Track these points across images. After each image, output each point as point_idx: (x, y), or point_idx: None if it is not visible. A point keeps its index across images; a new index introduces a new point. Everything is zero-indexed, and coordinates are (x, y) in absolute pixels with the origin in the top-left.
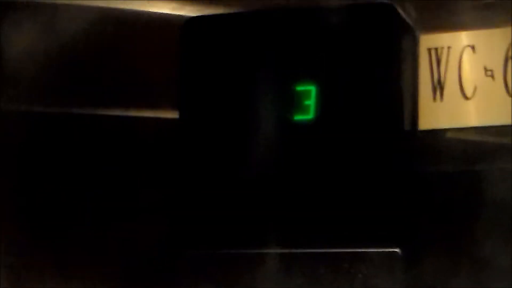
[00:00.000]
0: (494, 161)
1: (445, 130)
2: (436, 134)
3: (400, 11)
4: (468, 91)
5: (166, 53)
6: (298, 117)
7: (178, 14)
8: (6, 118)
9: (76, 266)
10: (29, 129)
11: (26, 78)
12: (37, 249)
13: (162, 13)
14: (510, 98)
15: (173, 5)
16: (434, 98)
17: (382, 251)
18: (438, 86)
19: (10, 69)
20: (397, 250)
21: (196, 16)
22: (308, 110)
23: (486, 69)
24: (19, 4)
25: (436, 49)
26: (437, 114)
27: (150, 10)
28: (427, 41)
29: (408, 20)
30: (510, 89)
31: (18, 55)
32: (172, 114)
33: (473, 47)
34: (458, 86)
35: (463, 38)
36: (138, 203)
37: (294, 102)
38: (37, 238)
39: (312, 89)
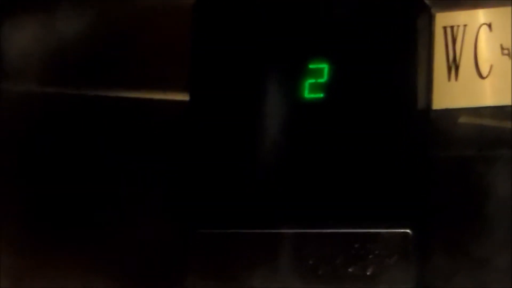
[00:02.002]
0: (508, 144)
1: (459, 110)
2: (450, 114)
3: None
4: (484, 70)
5: (177, 34)
6: (311, 96)
7: None
8: (10, 99)
9: (76, 265)
10: (31, 114)
11: (31, 60)
12: (37, 249)
13: None
14: None
15: None
16: (449, 77)
17: (394, 232)
18: (453, 65)
19: (16, 52)
20: (408, 231)
21: None
22: (320, 89)
23: (502, 48)
24: None
25: (452, 27)
26: (451, 93)
27: None
28: (443, 19)
29: None
30: None
31: (24, 38)
32: (183, 96)
33: (489, 25)
34: (473, 65)
35: (480, 16)
36: (149, 185)
37: (307, 80)
38: (37, 238)
39: (325, 67)
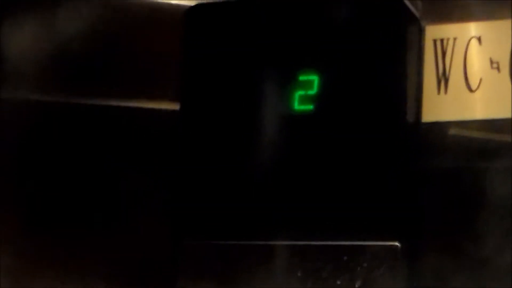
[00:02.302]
0: (497, 157)
1: (449, 123)
2: (439, 127)
3: (406, 1)
4: (473, 84)
5: (168, 43)
6: (300, 107)
7: (181, 4)
8: (7, 107)
9: (76, 265)
10: (27, 121)
11: (27, 68)
12: (37, 249)
13: (164, 2)
14: None
15: None
16: (439, 90)
17: (382, 245)
18: (443, 78)
19: (11, 60)
20: (397, 243)
21: (198, 4)
22: (310, 100)
23: (492, 61)
24: None
25: (441, 40)
26: (441, 106)
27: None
28: (433, 32)
29: (413, 10)
30: None
31: (19, 46)
32: (174, 106)
33: (479, 39)
34: (463, 78)
35: (470, 29)
36: (139, 195)
37: (296, 91)
38: (37, 238)
39: (315, 78)
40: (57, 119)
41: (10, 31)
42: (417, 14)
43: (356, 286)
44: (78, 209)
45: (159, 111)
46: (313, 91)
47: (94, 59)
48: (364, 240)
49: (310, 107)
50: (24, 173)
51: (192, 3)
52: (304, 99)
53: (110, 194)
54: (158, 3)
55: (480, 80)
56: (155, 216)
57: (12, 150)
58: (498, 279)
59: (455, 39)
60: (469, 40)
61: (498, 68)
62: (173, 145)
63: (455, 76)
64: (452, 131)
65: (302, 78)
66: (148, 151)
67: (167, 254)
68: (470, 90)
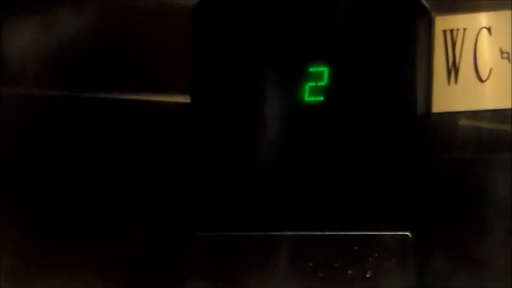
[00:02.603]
0: (507, 147)
1: (459, 114)
2: (450, 117)
3: None
4: (483, 74)
5: (178, 37)
6: (311, 99)
7: None
8: (10, 102)
9: (77, 265)
10: (30, 116)
11: (30, 62)
12: (37, 250)
13: None
14: None
15: None
16: (449, 81)
17: (393, 234)
18: (453, 69)
19: (15, 53)
20: (407, 233)
21: None
22: (320, 92)
23: (502, 52)
24: None
25: (451, 30)
26: (451, 96)
27: None
28: (443, 22)
29: (423, 1)
30: None
31: (22, 40)
32: (184, 99)
33: (489, 29)
34: (473, 69)
35: (479, 19)
36: (145, 191)
37: (307, 83)
38: (37, 238)
39: (325, 70)
40: (62, 114)
41: (13, 25)
42: (427, 5)
43: (367, 275)
44: (80, 208)
45: (170, 104)
46: (323, 82)
47: (104, 53)
48: (375, 230)
49: (320, 98)
50: (25, 171)
51: None
52: (314, 91)
53: (114, 191)
54: None
55: (490, 70)
56: (159, 212)
57: (13, 148)
58: (506, 276)
59: (464, 29)
60: (479, 31)
61: (508, 58)
62: (184, 138)
63: (465, 67)
64: (463, 122)
65: (312, 69)
66: (157, 144)
67: (171, 251)
68: (480, 80)
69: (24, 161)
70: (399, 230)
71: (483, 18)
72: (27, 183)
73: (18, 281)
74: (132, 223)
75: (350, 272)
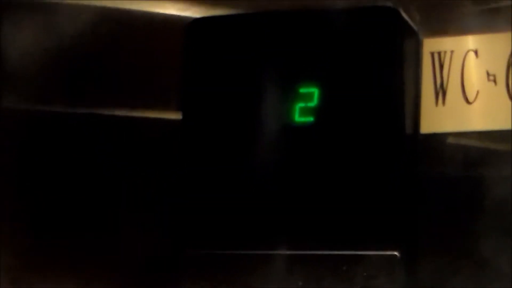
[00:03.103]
0: (495, 166)
1: (447, 134)
2: (437, 138)
3: (404, 14)
4: (471, 96)
5: (171, 54)
6: (301, 119)
7: (184, 15)
8: (7, 116)
9: (76, 266)
10: (30, 128)
11: (28, 76)
12: (37, 249)
13: (168, 14)
14: None
15: (179, 6)
16: (437, 102)
17: (381, 254)
18: (441, 90)
19: (11, 67)
20: (396, 253)
21: (200, 17)
22: (310, 112)
23: (488, 74)
24: (21, 3)
25: (439, 53)
26: (439, 118)
27: (156, 10)
28: (431, 45)
29: (411, 23)
30: None
31: (19, 54)
32: (176, 115)
33: (476, 52)
34: (460, 90)
35: (466, 42)
36: (141, 203)
37: (297, 104)
38: (37, 238)
39: (315, 91)
40: (58, 129)
41: (9, 40)
42: (415, 27)
43: None
44: (78, 214)
45: (162, 120)
46: (313, 103)
47: (98, 69)
48: (364, 250)
49: (310, 119)
50: (25, 175)
51: (192, 14)
52: (304, 111)
53: (111, 200)
54: (162, 14)
55: (477, 92)
56: (155, 223)
57: (13, 153)
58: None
59: (452, 52)
60: (466, 53)
61: (494, 81)
62: (175, 154)
63: (453, 88)
64: (450, 142)
65: (302, 90)
66: (150, 160)
67: (168, 260)
68: (468, 102)
69: (24, 163)
70: (387, 250)
71: (470, 41)
72: (28, 187)
73: (18, 281)
74: (127, 232)
75: None
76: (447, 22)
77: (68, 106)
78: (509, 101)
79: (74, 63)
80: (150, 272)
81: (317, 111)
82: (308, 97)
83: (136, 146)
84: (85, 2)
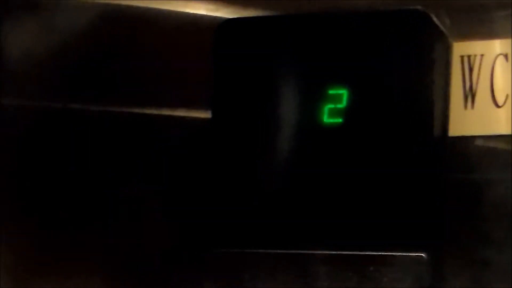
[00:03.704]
0: None
1: (475, 137)
2: (466, 141)
3: (434, 18)
4: (500, 99)
5: (201, 53)
6: (329, 120)
7: (213, 16)
8: (8, 113)
9: (76, 266)
10: (29, 127)
11: (31, 73)
12: (37, 249)
13: (197, 14)
14: None
15: (209, 6)
16: (466, 105)
17: (408, 255)
18: (470, 94)
19: (15, 65)
20: (423, 254)
21: (231, 19)
22: (339, 114)
23: None
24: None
25: (469, 56)
26: (468, 121)
27: (185, 10)
28: (460, 48)
29: (441, 27)
30: None
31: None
32: (205, 114)
33: (506, 56)
34: (489, 94)
35: (496, 46)
36: (164, 205)
37: (326, 105)
38: (37, 238)
39: (344, 93)
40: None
41: (13, 34)
42: (445, 31)
43: None
44: (80, 212)
45: (190, 119)
46: (342, 105)
47: (128, 68)
48: (391, 250)
49: (339, 120)
50: (25, 174)
51: (222, 14)
52: (333, 113)
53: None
54: (191, 14)
55: (507, 96)
56: (176, 227)
57: (13, 152)
58: None
59: (482, 55)
60: (496, 57)
61: None
62: (203, 154)
63: (482, 92)
64: (478, 145)
65: (331, 92)
66: (177, 159)
67: (187, 267)
68: (497, 105)
69: (25, 162)
70: (414, 251)
71: (500, 45)
72: (28, 186)
73: (18, 281)
74: (147, 236)
75: None
76: (477, 26)
77: (99, 104)
78: None
79: (103, 62)
80: (173, 272)
81: (346, 113)
82: (337, 98)
83: (163, 145)
84: (116, 2)
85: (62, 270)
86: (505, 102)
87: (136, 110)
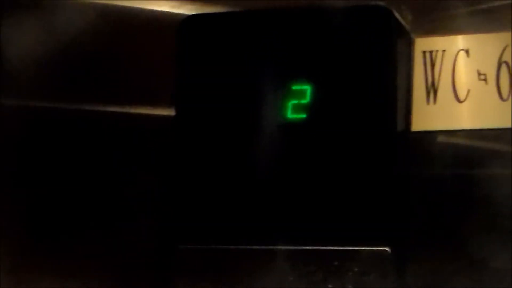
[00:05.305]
0: (484, 165)
1: (437, 133)
2: (428, 136)
3: (396, 14)
4: (461, 95)
5: (164, 51)
6: (293, 116)
7: (177, 12)
8: (5, 113)
9: (75, 266)
10: (27, 125)
11: (25, 73)
12: (37, 249)
13: (161, 11)
14: (502, 102)
15: (173, 3)
16: (428, 101)
17: (372, 250)
18: (432, 89)
19: (10, 65)
20: (387, 249)
21: (193, 15)
22: (302, 109)
23: (479, 73)
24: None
25: (431, 52)
26: (430, 116)
27: (149, 7)
28: (422, 44)
29: (403, 23)
30: (502, 93)
31: (18, 53)
32: (169, 112)
33: (467, 51)
34: (451, 89)
35: (458, 42)
36: (135, 200)
37: (289, 101)
38: (37, 238)
39: (307, 88)
40: (55, 125)
41: (9, 37)
42: (407, 26)
43: None
44: (78, 211)
45: (155, 116)
46: (305, 100)
47: (91, 65)
48: (355, 245)
49: (303, 116)
50: (24, 175)
51: (185, 11)
52: (297, 108)
53: (107, 198)
54: (156, 11)
55: (468, 91)
56: (150, 220)
57: (12, 152)
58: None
59: (443, 51)
60: (458, 53)
61: (485, 80)
62: (169, 151)
63: (444, 87)
64: (440, 140)
65: (295, 87)
66: (143, 157)
67: (163, 258)
68: (459, 100)
69: (23, 162)
70: (378, 246)
71: (461, 41)
72: (27, 186)
73: (18, 281)
74: (123, 229)
75: (330, 286)
76: (439, 22)
77: (64, 103)
78: (499, 100)
79: (67, 60)
80: (144, 269)
81: (309, 108)
82: (300, 94)
83: (130, 143)
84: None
85: (62, 270)
86: (466, 97)
87: (99, 108)
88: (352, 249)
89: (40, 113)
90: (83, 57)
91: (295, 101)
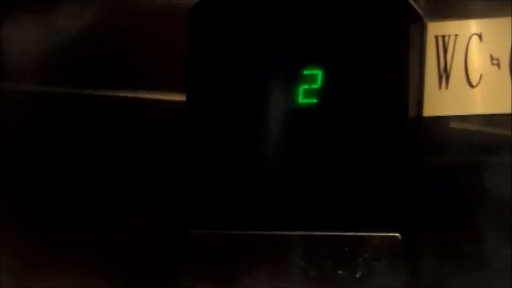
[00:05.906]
0: (496, 151)
1: (449, 118)
2: (441, 120)
3: None
4: (474, 79)
5: (176, 36)
6: (304, 101)
7: None
8: (9, 99)
9: (76, 265)
10: (32, 111)
11: (30, 59)
12: (37, 250)
13: None
14: None
15: None
16: (440, 86)
17: (383, 235)
18: (444, 74)
19: (14, 51)
20: (397, 234)
21: (203, 0)
22: (314, 94)
23: (492, 58)
24: None
25: (443, 36)
26: (442, 101)
27: None
28: (435, 28)
29: (416, 7)
30: None
31: (22, 38)
32: (180, 97)
33: (480, 36)
34: (464, 74)
35: (471, 26)
36: (144, 187)
37: (301, 85)
38: (37, 238)
39: (319, 73)
40: (61, 111)
41: (12, 22)
42: (419, 11)
43: (357, 275)
44: (79, 207)
45: (166, 102)
46: (317, 85)
47: (102, 51)
48: (366, 231)
49: (314, 100)
50: (25, 170)
51: None
52: (308, 93)
53: (111, 189)
54: None
55: (481, 76)
56: (156, 210)
57: (12, 146)
58: (497, 277)
59: (456, 35)
60: (470, 37)
61: (498, 65)
62: (179, 137)
63: (456, 72)
64: (453, 125)
65: (306, 72)
66: (153, 142)
67: (168, 249)
68: (471, 85)
69: (23, 159)
70: (389, 231)
71: (474, 25)
72: (28, 182)
73: (18, 281)
74: (129, 221)
75: (340, 272)
76: (452, 6)
77: (73, 88)
78: None
79: (79, 45)
80: (150, 262)
81: (320, 93)
82: (312, 79)
83: (140, 128)
84: None
85: (62, 270)
86: (479, 82)
87: (111, 93)
88: (362, 235)
89: (45, 98)
90: (91, 43)
91: (306, 86)
